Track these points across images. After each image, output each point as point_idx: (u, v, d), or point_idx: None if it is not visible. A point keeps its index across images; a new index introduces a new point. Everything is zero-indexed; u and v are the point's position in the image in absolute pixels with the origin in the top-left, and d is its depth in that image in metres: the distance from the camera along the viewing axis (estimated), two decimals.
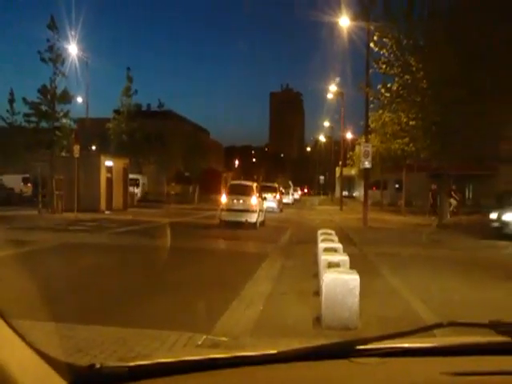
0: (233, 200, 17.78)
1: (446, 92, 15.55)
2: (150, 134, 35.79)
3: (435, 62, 15.75)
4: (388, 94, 17.63)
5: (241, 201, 17.74)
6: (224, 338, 4.56)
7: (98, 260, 9.95)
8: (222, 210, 17.93)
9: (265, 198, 21.95)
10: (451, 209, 22.84)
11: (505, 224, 14.96)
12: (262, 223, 18.81)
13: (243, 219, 17.34)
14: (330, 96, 41.67)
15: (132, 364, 1.14)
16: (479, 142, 19.53)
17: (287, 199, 38.73)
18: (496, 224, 15.41)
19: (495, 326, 1.27)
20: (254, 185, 19.44)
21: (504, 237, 14.48)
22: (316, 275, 7.08)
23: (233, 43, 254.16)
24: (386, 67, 17.24)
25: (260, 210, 18.43)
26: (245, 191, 18.19)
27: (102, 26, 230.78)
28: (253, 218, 17.52)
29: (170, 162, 40.76)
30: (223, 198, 18.15)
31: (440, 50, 15.60)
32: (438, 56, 15.66)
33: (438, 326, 1.34)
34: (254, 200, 17.88)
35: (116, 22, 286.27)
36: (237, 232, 16.16)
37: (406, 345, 1.27)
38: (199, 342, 4.41)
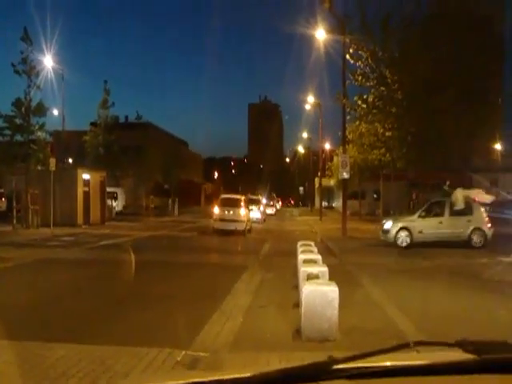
0: (224, 211, 20.05)
1: (420, 102, 15.91)
2: (127, 147, 35.47)
3: (409, 71, 16.11)
4: (364, 106, 17.94)
5: (231, 212, 19.99)
6: (203, 354, 4.51)
7: (75, 276, 9.76)
8: (215, 219, 20.29)
9: (251, 210, 24.31)
10: None
11: (385, 232, 15.43)
12: (249, 231, 21.17)
13: (233, 228, 19.67)
14: (307, 107, 42.08)
15: None
16: (453, 151, 19.99)
17: (270, 210, 41.47)
18: (380, 232, 15.87)
19: (462, 345, 1.28)
20: (243, 198, 21.90)
21: (387, 245, 14.89)
22: (296, 287, 7.09)
23: (211, 54, 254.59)
24: (361, 79, 17.58)
25: (248, 220, 20.99)
26: (234, 203, 20.55)
27: (78, 38, 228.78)
28: (241, 226, 19.99)
29: (149, 175, 40.39)
30: (216, 210, 20.47)
31: (414, 58, 15.97)
32: (412, 65, 16.02)
33: (405, 345, 1.33)
34: (242, 211, 20.28)
35: (92, 35, 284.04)
36: (219, 242, 16.74)
37: (373, 364, 1.25)
38: (178, 358, 4.36)
